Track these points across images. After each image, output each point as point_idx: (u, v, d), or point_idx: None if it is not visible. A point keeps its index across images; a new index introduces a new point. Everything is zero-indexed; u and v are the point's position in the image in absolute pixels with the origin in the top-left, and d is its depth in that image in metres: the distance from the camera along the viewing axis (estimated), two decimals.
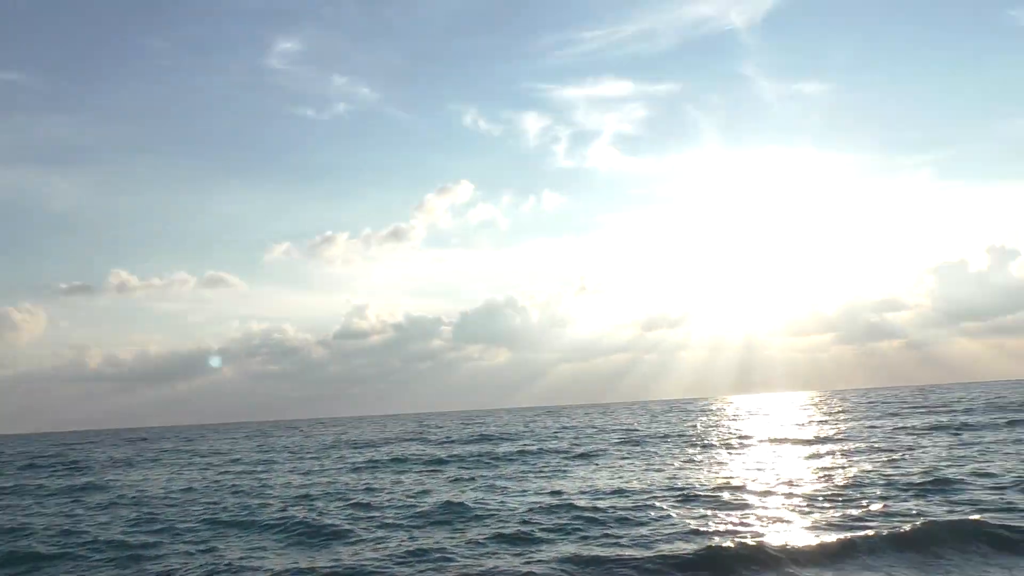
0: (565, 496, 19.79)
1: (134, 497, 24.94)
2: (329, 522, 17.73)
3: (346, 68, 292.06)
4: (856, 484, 18.83)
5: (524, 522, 16.60)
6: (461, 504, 19.11)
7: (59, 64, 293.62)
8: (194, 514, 20.44)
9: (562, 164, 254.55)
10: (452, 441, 46.02)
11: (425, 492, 22.34)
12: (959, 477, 18.85)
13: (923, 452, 24.99)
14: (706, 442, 34.67)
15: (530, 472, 26.34)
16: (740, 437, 36.71)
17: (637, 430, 46.85)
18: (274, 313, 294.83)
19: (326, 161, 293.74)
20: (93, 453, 55.52)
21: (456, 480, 25.07)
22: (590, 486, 21.55)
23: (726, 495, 18.46)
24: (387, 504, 20.30)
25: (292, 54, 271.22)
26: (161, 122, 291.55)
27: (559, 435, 46.04)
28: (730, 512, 16.44)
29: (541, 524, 16.25)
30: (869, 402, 75.62)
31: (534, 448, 35.93)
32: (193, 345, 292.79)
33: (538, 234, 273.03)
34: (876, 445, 28.10)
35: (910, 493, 17.35)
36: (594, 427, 54.05)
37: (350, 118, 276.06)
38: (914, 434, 31.99)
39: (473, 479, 25.05)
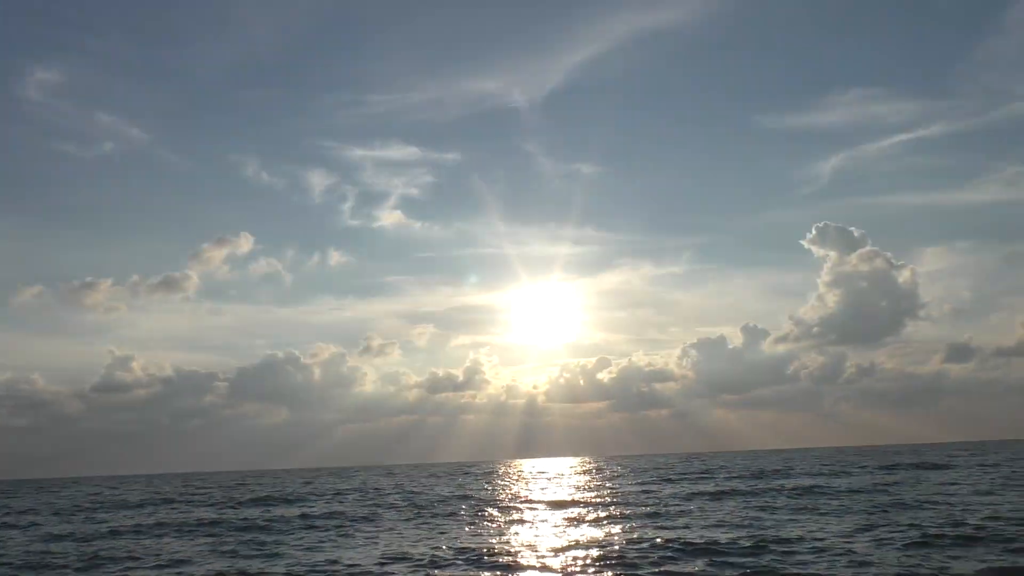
0: (346, 563, 18.71)
1: None
2: None
3: (114, 106, 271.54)
4: (638, 548, 19.21)
5: None
6: None
7: None
8: None
9: (348, 223, 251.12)
10: (223, 503, 42.88)
11: (187, 560, 20.36)
12: (727, 539, 19.77)
13: (693, 518, 26.15)
14: (491, 505, 34.52)
15: (309, 537, 24.83)
16: (525, 501, 36.91)
17: (422, 493, 46.01)
18: (21, 362, 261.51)
19: (89, 202, 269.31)
20: None
21: (224, 547, 23.10)
22: (373, 552, 20.56)
23: (513, 559, 18.18)
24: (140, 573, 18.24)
25: (51, 85, 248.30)
26: None
27: (341, 497, 44.25)
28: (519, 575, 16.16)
29: None
30: (642, 468, 79.31)
31: (314, 511, 34.17)
32: None
33: (323, 291, 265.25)
34: (652, 510, 29.14)
35: (686, 555, 17.91)
36: (377, 489, 52.56)
37: (117, 158, 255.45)
38: (686, 499, 33.60)
39: (244, 545, 23.19)
